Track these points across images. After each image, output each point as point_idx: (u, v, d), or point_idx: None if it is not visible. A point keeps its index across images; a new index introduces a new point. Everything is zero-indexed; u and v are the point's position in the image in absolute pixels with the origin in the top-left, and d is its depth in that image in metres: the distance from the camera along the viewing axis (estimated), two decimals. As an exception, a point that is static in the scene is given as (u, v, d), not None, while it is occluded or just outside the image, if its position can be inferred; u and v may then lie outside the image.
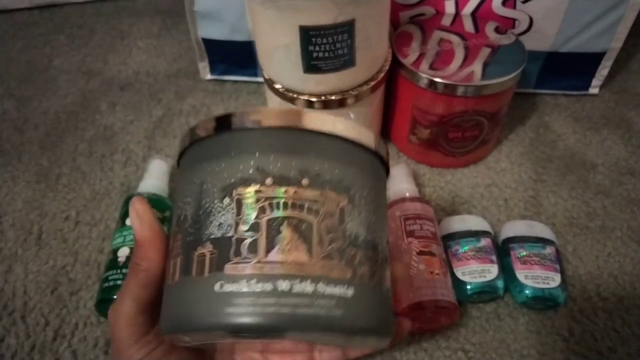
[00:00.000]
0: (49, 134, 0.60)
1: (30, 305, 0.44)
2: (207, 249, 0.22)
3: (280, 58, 0.44)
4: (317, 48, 0.42)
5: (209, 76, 0.66)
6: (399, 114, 0.54)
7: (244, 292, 0.21)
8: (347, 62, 0.44)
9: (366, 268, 0.23)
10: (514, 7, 0.54)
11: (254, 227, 0.22)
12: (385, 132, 0.57)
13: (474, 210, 0.51)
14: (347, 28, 0.41)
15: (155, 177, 0.49)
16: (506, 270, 0.44)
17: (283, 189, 0.22)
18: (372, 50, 0.45)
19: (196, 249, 0.22)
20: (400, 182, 0.47)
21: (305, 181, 0.23)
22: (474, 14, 0.55)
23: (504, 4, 0.54)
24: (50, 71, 0.69)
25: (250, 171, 0.23)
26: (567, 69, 0.60)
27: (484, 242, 0.45)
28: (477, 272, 0.43)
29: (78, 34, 0.76)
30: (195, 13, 0.58)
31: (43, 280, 0.46)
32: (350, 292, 0.22)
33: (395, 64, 0.50)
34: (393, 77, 0.51)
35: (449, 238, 0.45)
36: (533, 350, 0.41)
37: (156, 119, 0.62)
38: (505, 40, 0.52)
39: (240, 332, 0.21)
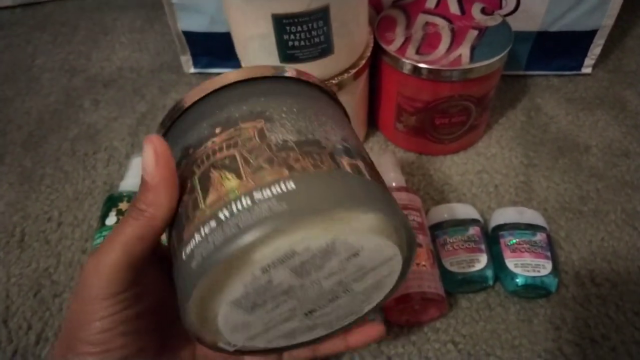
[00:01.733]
0: (32, 134, 0.59)
1: (12, 309, 0.44)
2: (172, 235, 0.23)
3: (255, 49, 0.43)
4: (292, 37, 0.40)
5: (192, 70, 0.65)
6: (384, 101, 0.52)
7: (198, 242, 0.21)
8: (325, 50, 0.42)
9: (307, 161, 0.22)
10: (501, -13, 0.53)
11: (190, 190, 0.23)
12: (372, 120, 0.56)
13: (463, 198, 0.50)
14: (322, 15, 0.39)
15: (136, 175, 0.48)
16: (496, 259, 0.43)
17: (201, 148, 0.24)
18: (351, 37, 0.44)
19: (170, 245, 0.24)
20: (386, 172, 0.46)
21: (217, 130, 0.24)
22: (459, -4, 0.54)
23: (489, -17, 0.52)
24: (33, 70, 0.68)
25: (178, 155, 0.25)
26: (558, 49, 0.58)
27: (473, 231, 0.43)
28: (466, 261, 0.42)
29: (61, 31, 0.75)
30: (174, 5, 0.57)
31: (25, 283, 0.45)
32: (290, 185, 0.21)
33: (378, 50, 0.48)
34: (376, 64, 0.50)
35: (437, 228, 0.44)
36: (525, 339, 0.40)
37: (140, 115, 0.61)
38: (492, 21, 0.50)
39: (203, 276, 0.21)
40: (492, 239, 0.44)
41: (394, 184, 0.45)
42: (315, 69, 0.43)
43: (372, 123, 0.56)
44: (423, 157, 0.54)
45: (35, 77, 0.67)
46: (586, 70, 0.61)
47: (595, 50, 0.59)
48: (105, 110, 0.62)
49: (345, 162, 0.23)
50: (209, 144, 0.23)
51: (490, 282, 0.42)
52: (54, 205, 0.51)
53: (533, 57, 0.59)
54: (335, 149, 0.24)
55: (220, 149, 0.23)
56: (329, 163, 0.23)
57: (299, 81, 0.28)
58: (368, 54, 0.47)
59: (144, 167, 0.23)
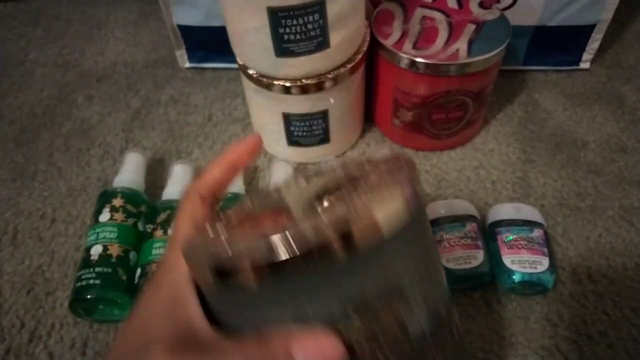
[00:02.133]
0: (24, 129, 0.59)
1: (5, 308, 0.43)
2: None
3: (251, 42, 0.42)
4: (287, 30, 0.40)
5: (187, 64, 0.64)
6: (380, 96, 0.52)
7: None
8: (321, 43, 0.42)
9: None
10: (499, -19, 0.52)
11: None
12: (368, 116, 0.55)
13: (460, 194, 0.49)
14: (318, 7, 0.39)
15: (130, 171, 0.48)
16: (493, 256, 0.42)
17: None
18: (347, 31, 0.43)
19: None
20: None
21: (350, 310, 0.18)
22: (457, -11, 0.53)
23: (487, -23, 0.52)
24: (25, 65, 0.68)
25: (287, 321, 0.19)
26: (556, 44, 0.58)
27: (470, 227, 0.43)
28: (463, 258, 0.41)
29: (54, 26, 0.74)
30: (169, -1, 0.56)
31: (18, 281, 0.45)
32: None
33: (375, 44, 0.48)
34: (373, 58, 0.49)
35: (434, 224, 0.44)
36: (521, 337, 0.40)
37: (134, 110, 0.60)
38: (490, 15, 0.49)
39: None
40: (489, 235, 0.44)
41: (390, 180, 0.45)
42: (311, 64, 0.43)
43: (369, 118, 0.56)
44: (420, 153, 0.53)
45: (28, 71, 0.66)
46: (584, 65, 0.61)
47: (594, 44, 0.58)
48: (99, 105, 0.61)
49: (457, 329, 0.21)
50: (342, 330, 0.18)
51: (487, 279, 0.42)
52: (47, 202, 0.51)
53: (531, 52, 0.59)
54: (451, 320, 0.21)
55: (359, 343, 0.18)
56: (454, 345, 0.21)
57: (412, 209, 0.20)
58: (365, 48, 0.47)
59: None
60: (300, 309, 0.18)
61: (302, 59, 0.42)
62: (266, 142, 0.52)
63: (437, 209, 0.45)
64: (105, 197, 0.45)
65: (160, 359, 0.20)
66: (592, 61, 0.60)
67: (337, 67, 0.45)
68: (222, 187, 0.29)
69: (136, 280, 0.41)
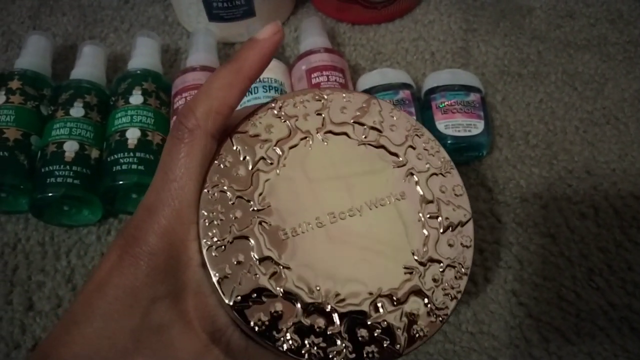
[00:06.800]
0: None
1: None
2: None
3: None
4: None
5: (99, -57, 0.57)
6: (309, -38, 0.47)
7: None
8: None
9: None
10: None
11: None
12: (300, -11, 0.50)
13: (397, 66, 0.46)
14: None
15: (31, 53, 0.43)
16: (427, 123, 0.40)
17: None
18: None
19: None
20: (307, 37, 0.42)
21: None
22: None
23: None
24: None
25: None
26: None
27: (403, 94, 0.40)
28: (394, 126, 0.39)
29: None
30: None
31: None
32: None
33: None
34: None
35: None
36: (455, 203, 0.38)
37: (41, -5, 0.54)
38: None
39: None
40: (424, 103, 0.41)
41: (314, 47, 0.41)
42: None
43: (301, -7, 0.51)
44: (356, 27, 0.49)
45: None
46: None
47: None
48: (1, -8, 0.54)
49: None
50: None
51: (420, 146, 0.39)
52: (-56, 95, 0.46)
53: None
54: None
55: None
56: None
57: None
58: None
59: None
60: None
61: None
62: (185, 19, 0.47)
63: (370, 79, 0.42)
64: (1, 80, 0.40)
65: None
66: None
67: None
68: (232, 115, 0.21)
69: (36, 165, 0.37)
